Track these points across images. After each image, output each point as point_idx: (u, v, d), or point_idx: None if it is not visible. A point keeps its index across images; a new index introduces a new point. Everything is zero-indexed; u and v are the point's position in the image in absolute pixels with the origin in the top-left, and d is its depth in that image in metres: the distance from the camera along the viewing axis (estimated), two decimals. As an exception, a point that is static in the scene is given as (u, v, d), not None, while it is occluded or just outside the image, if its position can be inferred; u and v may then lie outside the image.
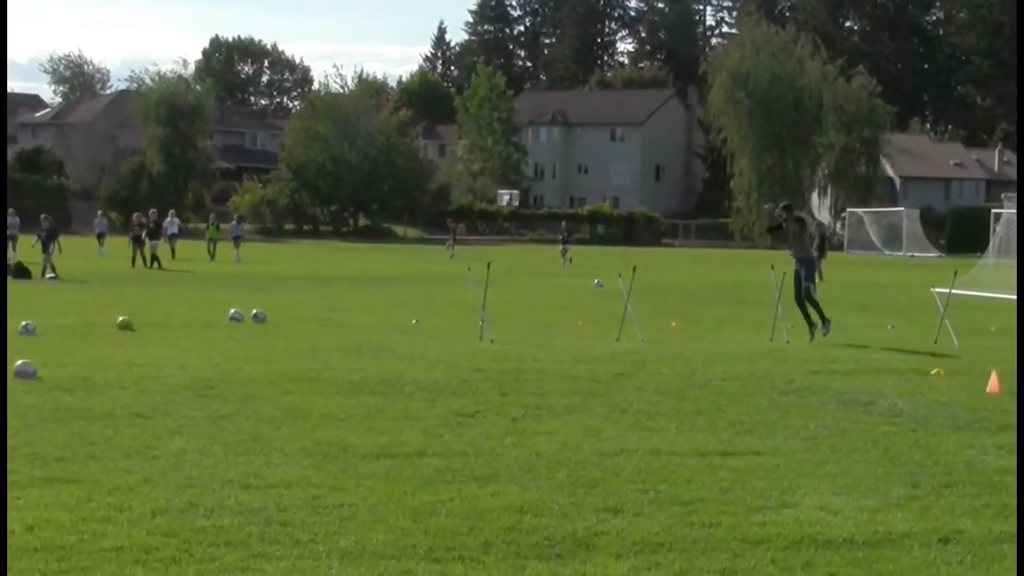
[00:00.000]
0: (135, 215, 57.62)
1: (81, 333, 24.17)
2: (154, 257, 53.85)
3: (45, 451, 12.42)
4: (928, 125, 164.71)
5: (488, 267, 26.21)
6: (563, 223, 75.37)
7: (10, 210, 52.55)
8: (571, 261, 64.61)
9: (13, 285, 38.59)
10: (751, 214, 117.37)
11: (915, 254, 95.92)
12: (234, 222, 68.95)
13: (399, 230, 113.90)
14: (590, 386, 17.88)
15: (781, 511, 10.60)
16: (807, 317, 25.22)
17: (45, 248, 45.18)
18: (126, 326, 25.05)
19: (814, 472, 12.21)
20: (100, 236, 65.61)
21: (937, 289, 30.09)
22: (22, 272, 43.03)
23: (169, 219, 62.63)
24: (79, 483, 11.08)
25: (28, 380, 17.00)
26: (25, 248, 49.75)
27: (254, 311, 28.12)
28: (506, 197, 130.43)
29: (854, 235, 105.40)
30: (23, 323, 23.87)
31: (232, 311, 27.98)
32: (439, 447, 13.10)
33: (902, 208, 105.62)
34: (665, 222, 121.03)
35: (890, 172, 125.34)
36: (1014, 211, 53.35)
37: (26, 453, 12.27)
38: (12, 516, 9.86)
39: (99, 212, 71.74)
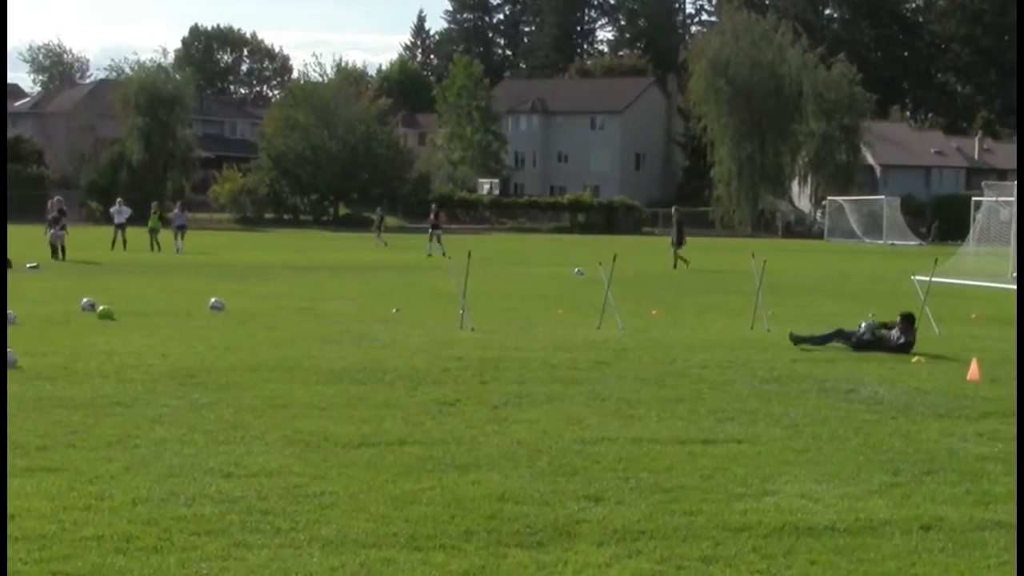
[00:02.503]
0: (52, 201, 53.31)
1: (61, 322, 24.12)
2: (58, 248, 49.17)
3: (26, 440, 12.41)
4: (908, 113, 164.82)
5: (469, 256, 26.20)
6: (432, 205, 69.05)
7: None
8: (443, 253, 59.61)
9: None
10: (731, 202, 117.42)
11: (895, 242, 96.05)
12: (176, 210, 63.17)
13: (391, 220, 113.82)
14: (571, 374, 17.90)
15: (762, 499, 10.63)
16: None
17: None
18: (107, 315, 24.99)
19: (795, 460, 12.24)
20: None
21: (918, 277, 30.16)
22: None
23: (117, 207, 61.05)
24: (60, 472, 11.08)
25: (9, 369, 16.95)
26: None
27: (212, 300, 28.02)
28: (486, 186, 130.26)
29: (834, 223, 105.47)
30: (3, 312, 23.81)
31: (212, 300, 27.92)
32: (420, 435, 13.11)
33: (883, 196, 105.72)
34: (645, 211, 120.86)
35: (870, 160, 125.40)
36: (994, 199, 53.50)
37: (7, 442, 12.24)
38: (-8, 505, 9.85)
39: (56, 198, 67.71)
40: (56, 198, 52.56)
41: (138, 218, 66.77)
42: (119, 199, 64.94)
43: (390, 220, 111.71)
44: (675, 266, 49.92)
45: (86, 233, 66.93)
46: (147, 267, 45.55)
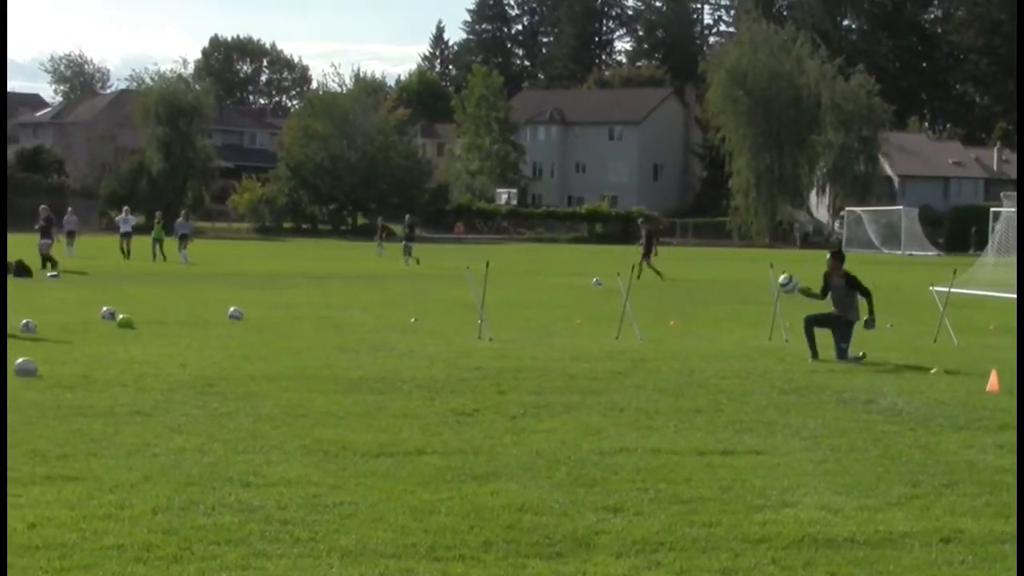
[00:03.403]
0: (42, 208, 51.51)
1: (81, 331, 24.15)
2: (47, 258, 47.75)
3: (46, 448, 12.43)
4: (926, 124, 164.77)
5: (487, 265, 26.21)
6: (407, 217, 67.95)
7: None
8: (417, 262, 58.99)
9: (13, 283, 38.58)
10: (749, 213, 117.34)
11: (914, 253, 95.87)
12: (180, 219, 60.97)
13: (397, 229, 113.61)
14: (589, 384, 17.89)
15: (781, 510, 10.61)
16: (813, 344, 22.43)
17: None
18: (126, 324, 25.05)
19: (814, 471, 12.22)
20: (70, 234, 60.81)
21: (936, 288, 30.10)
22: (23, 270, 43.02)
23: (122, 216, 61.50)
24: (80, 481, 11.10)
25: (29, 378, 17.02)
26: (28, 247, 49.40)
27: (231, 309, 28.09)
28: (504, 196, 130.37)
29: (852, 234, 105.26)
30: (23, 321, 23.86)
31: (231, 309, 27.98)
32: (438, 445, 13.11)
33: (900, 207, 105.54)
34: (663, 221, 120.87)
35: (888, 171, 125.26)
36: (1013, 210, 53.37)
37: (27, 451, 12.28)
38: (13, 514, 9.87)
39: (68, 209, 64.80)
40: (42, 207, 51.35)
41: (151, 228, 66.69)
42: (125, 207, 65.05)
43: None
44: (639, 276, 46.85)
45: (99, 241, 66.99)
46: (165, 276, 45.61)
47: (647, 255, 50.52)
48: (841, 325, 22.12)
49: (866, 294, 22.36)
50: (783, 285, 23.96)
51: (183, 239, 58.80)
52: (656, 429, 14.39)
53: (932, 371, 20.04)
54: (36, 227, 49.42)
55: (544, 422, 14.68)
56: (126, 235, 59.26)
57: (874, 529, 10.07)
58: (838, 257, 23.13)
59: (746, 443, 13.63)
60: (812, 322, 22.29)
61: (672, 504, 10.73)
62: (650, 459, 12.61)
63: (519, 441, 13.44)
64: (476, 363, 20.02)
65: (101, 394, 16.01)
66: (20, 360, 17.65)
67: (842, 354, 21.77)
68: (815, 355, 21.81)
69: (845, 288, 22.32)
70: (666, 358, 21.32)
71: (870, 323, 22.56)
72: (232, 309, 27.99)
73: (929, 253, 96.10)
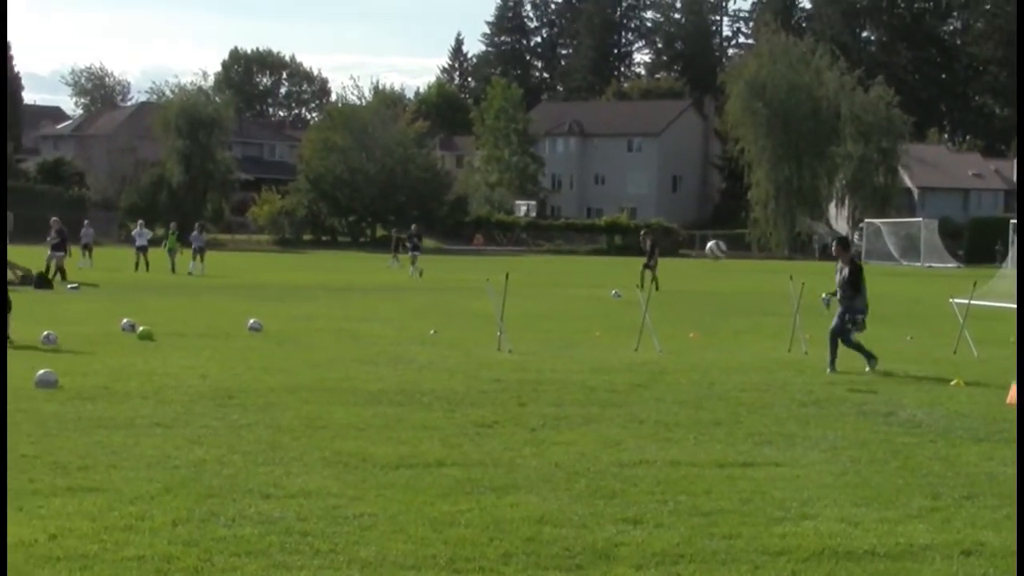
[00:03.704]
0: (53, 221, 50.22)
1: (102, 342, 24.22)
2: (59, 269, 47.35)
3: (67, 460, 12.47)
4: (946, 135, 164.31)
5: (506, 277, 26.24)
6: (412, 227, 67.59)
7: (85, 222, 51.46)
8: (420, 274, 58.75)
9: (34, 295, 38.75)
10: (768, 225, 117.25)
11: (933, 265, 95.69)
12: (195, 231, 60.86)
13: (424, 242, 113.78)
14: (608, 396, 17.90)
15: (801, 522, 10.59)
16: (835, 353, 22.49)
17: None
18: (146, 336, 25.11)
19: (834, 483, 12.20)
20: (86, 247, 61.54)
21: (956, 300, 30.06)
22: (43, 282, 43.17)
23: (138, 229, 61.23)
24: (101, 492, 11.12)
25: (50, 389, 17.07)
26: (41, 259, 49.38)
27: (251, 320, 28.16)
28: (523, 208, 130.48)
29: (872, 246, 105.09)
30: (44, 333, 23.96)
31: (251, 321, 28.04)
32: (458, 457, 13.12)
33: (920, 219, 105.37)
34: (682, 233, 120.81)
35: (908, 183, 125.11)
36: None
37: (48, 462, 12.33)
38: (35, 525, 9.92)
39: (85, 222, 65.23)
40: (53, 219, 50.43)
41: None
42: (140, 221, 64.94)
43: (426, 242, 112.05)
44: (654, 287, 46.13)
45: (119, 253, 67.05)
46: (185, 288, 45.70)
47: (650, 265, 49.64)
48: (851, 311, 22.41)
49: (856, 288, 22.49)
50: (826, 303, 23.63)
51: (198, 251, 58.86)
52: (676, 441, 14.39)
53: (952, 383, 20.00)
54: (47, 240, 49.13)
55: (564, 434, 14.69)
56: (142, 249, 59.30)
57: (895, 541, 10.05)
58: (843, 244, 23.55)
59: (766, 455, 13.62)
60: (836, 334, 22.41)
61: (692, 516, 10.73)
62: (670, 471, 12.61)
63: (539, 453, 13.44)
64: (496, 375, 20.03)
65: (121, 406, 16.05)
66: (41, 372, 17.71)
67: (847, 338, 22.28)
68: (833, 367, 21.91)
69: (848, 277, 22.53)
70: (685, 370, 21.32)
71: (827, 301, 23.31)
72: (252, 321, 28.04)
73: (949, 265, 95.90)
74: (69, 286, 42.99)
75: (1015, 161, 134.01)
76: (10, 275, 41.56)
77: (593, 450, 13.67)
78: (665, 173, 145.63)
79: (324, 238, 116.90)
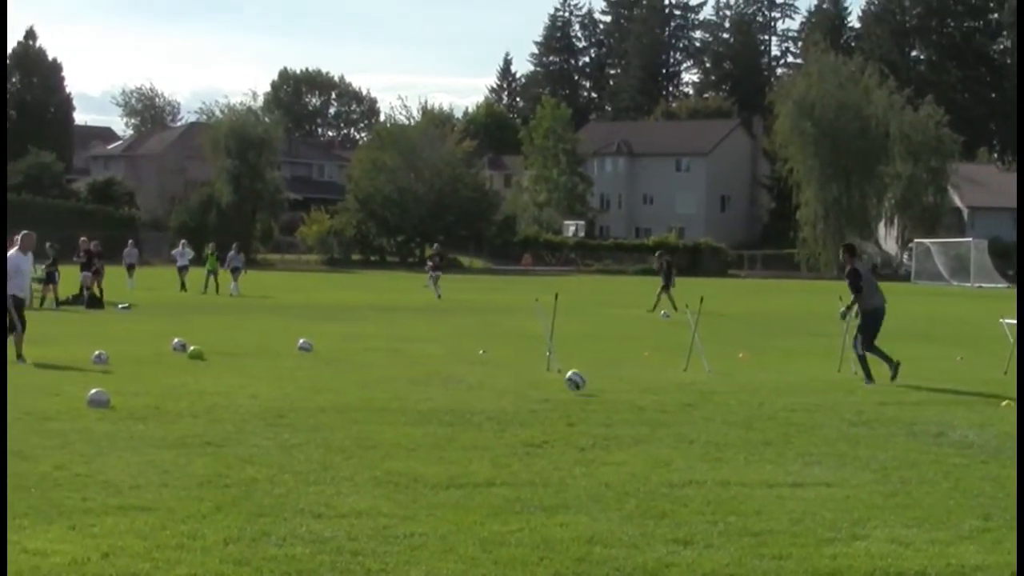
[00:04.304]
0: (82, 240, 49.49)
1: (152, 362, 24.36)
2: (85, 288, 45.56)
3: (119, 479, 12.55)
4: (996, 154, 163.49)
5: (555, 297, 26.25)
6: (434, 246, 67.37)
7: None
8: (438, 296, 56.92)
9: (85, 315, 39.03)
10: (817, 244, 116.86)
11: (983, 285, 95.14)
12: (232, 251, 60.51)
13: (465, 260, 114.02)
14: (658, 416, 17.88)
15: (852, 543, 10.56)
16: (884, 358, 23.51)
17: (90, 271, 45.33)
18: (197, 355, 25.23)
19: (884, 504, 12.16)
20: (130, 267, 61.36)
21: (1006, 320, 29.88)
22: (95, 302, 43.45)
23: (180, 249, 61.37)
24: (153, 511, 11.19)
25: (102, 409, 17.17)
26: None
27: (301, 340, 28.25)
28: (572, 228, 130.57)
29: (921, 265, 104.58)
30: (96, 352, 24.12)
31: (301, 340, 28.13)
32: (508, 477, 13.13)
33: (970, 239, 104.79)
34: (731, 252, 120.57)
35: (957, 202, 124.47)
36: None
37: (100, 481, 12.41)
38: (87, 543, 9.99)
39: (129, 242, 65.13)
40: (82, 239, 49.92)
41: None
42: (183, 241, 65.03)
43: (476, 263, 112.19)
44: (675, 308, 46.11)
45: (168, 274, 67.15)
46: (234, 308, 45.88)
47: (667, 286, 48.89)
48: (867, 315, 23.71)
49: (855, 290, 23.73)
50: (843, 317, 24.89)
51: (235, 272, 58.92)
52: (726, 461, 14.36)
53: (1003, 404, 19.88)
54: (75, 259, 48.66)
55: (613, 454, 14.69)
56: (183, 268, 59.57)
57: (945, 563, 10.01)
58: (848, 249, 25.17)
59: (816, 475, 13.58)
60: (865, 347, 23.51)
61: (742, 537, 10.71)
62: (720, 491, 12.60)
63: (588, 473, 13.45)
64: (545, 395, 20.04)
65: (173, 425, 16.14)
66: (93, 391, 17.83)
67: (855, 344, 23.64)
68: (869, 378, 22.93)
69: (848, 280, 23.94)
70: (735, 391, 21.28)
71: (845, 314, 24.72)
72: (302, 341, 28.13)
73: (999, 285, 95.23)
74: (120, 306, 43.23)
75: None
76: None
77: (643, 470, 13.67)
78: (713, 193, 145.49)
79: (373, 258, 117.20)
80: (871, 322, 23.65)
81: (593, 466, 13.86)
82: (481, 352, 27.85)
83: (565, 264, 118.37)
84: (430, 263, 63.11)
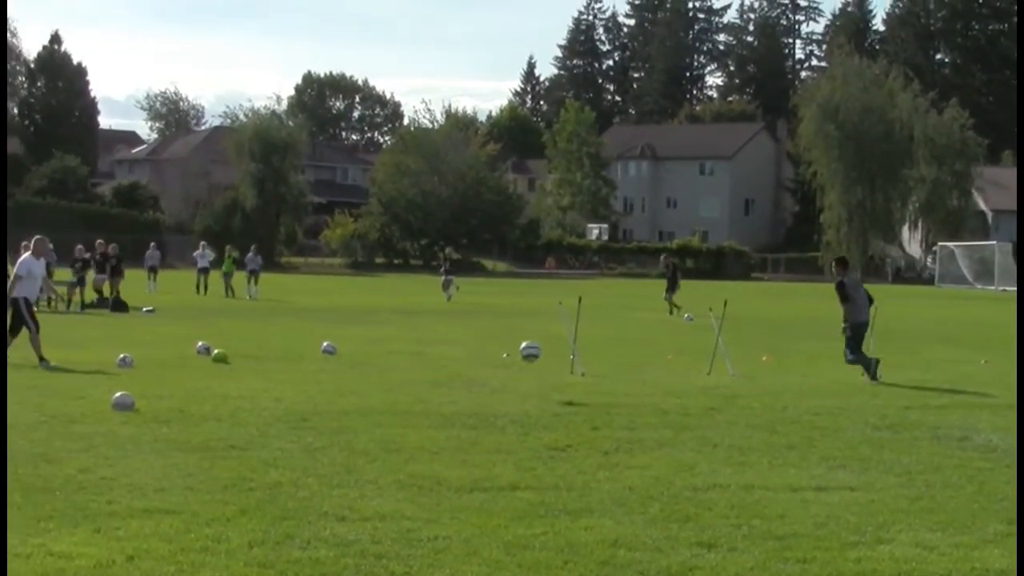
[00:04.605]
0: (98, 243, 49.06)
1: (176, 366, 24.40)
2: (98, 292, 45.98)
3: (144, 482, 12.58)
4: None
5: (579, 301, 26.24)
6: (446, 249, 68.16)
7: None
8: (456, 291, 59.65)
9: (110, 318, 39.15)
10: (841, 248, 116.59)
11: (1007, 288, 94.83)
12: (250, 253, 60.10)
13: (488, 264, 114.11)
14: (681, 420, 17.86)
15: (876, 547, 10.55)
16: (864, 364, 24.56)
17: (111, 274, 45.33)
18: (221, 359, 25.29)
19: (909, 508, 12.13)
20: (151, 270, 60.41)
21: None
22: (120, 305, 43.55)
23: (200, 251, 61.02)
24: (177, 514, 11.21)
25: (126, 412, 17.21)
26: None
27: (324, 343, 28.28)
28: (595, 231, 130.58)
29: (945, 269, 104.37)
30: (121, 356, 24.18)
31: (324, 344, 28.16)
32: (532, 480, 13.13)
33: (994, 242, 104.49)
34: (754, 256, 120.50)
35: (982, 205, 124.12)
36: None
37: (125, 484, 12.44)
38: (112, 546, 10.02)
39: (152, 245, 64.61)
40: (99, 241, 49.58)
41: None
42: (203, 243, 64.74)
43: (499, 266, 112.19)
44: (671, 312, 46.93)
45: (187, 276, 67.21)
46: (258, 312, 45.98)
47: (671, 289, 48.74)
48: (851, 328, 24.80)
49: (843, 300, 25.35)
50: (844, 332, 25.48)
51: (252, 274, 58.73)
52: (749, 465, 14.35)
53: (1028, 408, 19.82)
54: (72, 265, 46.86)
55: (637, 458, 14.68)
56: (203, 271, 59.52)
57: (970, 567, 9.99)
58: (840, 262, 27.12)
59: (840, 479, 13.56)
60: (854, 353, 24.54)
61: (766, 540, 10.70)
62: (744, 495, 12.58)
63: (612, 477, 13.44)
64: (568, 398, 20.03)
65: (197, 428, 16.17)
66: (118, 394, 17.87)
67: (846, 356, 24.61)
68: (873, 376, 23.66)
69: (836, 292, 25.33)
70: (758, 394, 21.25)
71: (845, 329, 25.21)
72: (325, 344, 28.16)
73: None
74: (144, 309, 43.33)
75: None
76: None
77: (667, 474, 13.66)
78: (737, 196, 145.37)
79: (396, 261, 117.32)
80: (856, 334, 24.75)
81: (617, 470, 13.85)
82: (504, 355, 27.81)
83: (588, 268, 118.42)
84: (441, 268, 63.67)
